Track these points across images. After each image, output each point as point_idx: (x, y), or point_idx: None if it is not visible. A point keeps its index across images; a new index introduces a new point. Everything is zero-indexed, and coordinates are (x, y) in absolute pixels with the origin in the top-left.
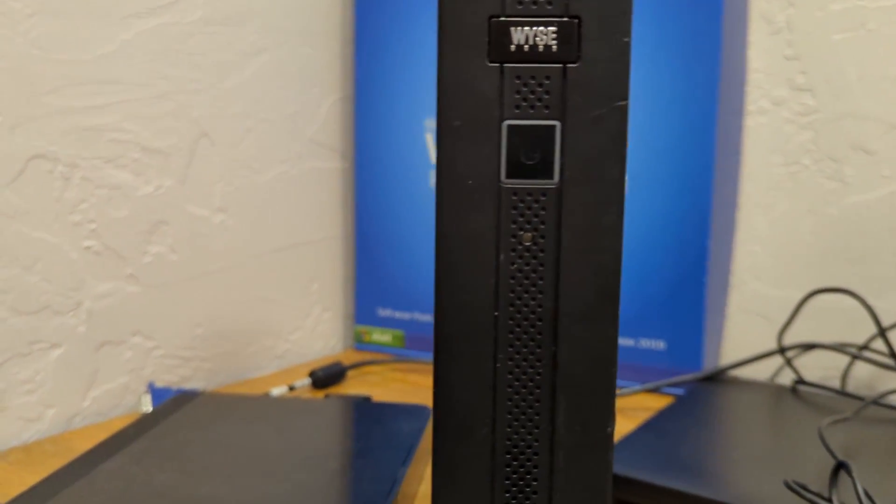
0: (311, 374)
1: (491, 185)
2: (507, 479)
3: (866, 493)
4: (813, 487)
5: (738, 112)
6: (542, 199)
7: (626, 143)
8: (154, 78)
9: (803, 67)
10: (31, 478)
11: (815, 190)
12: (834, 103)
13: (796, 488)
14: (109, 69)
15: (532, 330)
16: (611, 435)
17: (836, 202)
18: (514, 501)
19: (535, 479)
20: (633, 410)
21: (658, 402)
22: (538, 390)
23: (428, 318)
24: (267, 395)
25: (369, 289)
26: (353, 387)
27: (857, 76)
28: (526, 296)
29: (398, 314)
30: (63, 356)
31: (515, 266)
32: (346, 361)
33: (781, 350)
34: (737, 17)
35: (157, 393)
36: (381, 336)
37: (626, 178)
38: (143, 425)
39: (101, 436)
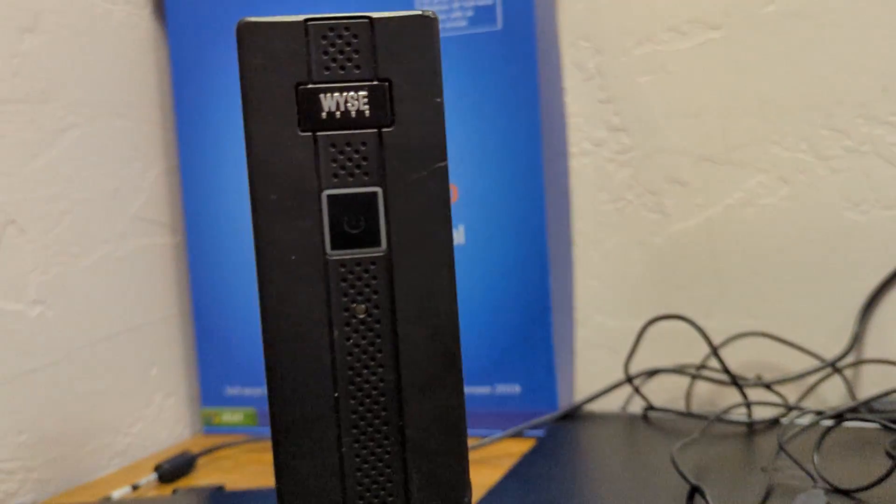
0: (157, 468)
1: (316, 258)
2: None
3: None
4: None
5: (562, 154)
6: (372, 267)
7: (450, 204)
8: None
9: (616, 109)
10: None
11: (639, 222)
12: (647, 140)
13: None
14: None
15: (376, 407)
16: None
17: (659, 232)
18: None
19: None
20: (496, 458)
21: (520, 447)
22: (388, 470)
23: None
24: (108, 500)
25: (214, 368)
26: (205, 476)
27: (663, 114)
28: (366, 371)
29: (248, 391)
30: None
31: (351, 341)
32: (195, 448)
33: (629, 379)
34: (551, 67)
35: None
36: (232, 416)
37: (463, 231)
38: None
39: None
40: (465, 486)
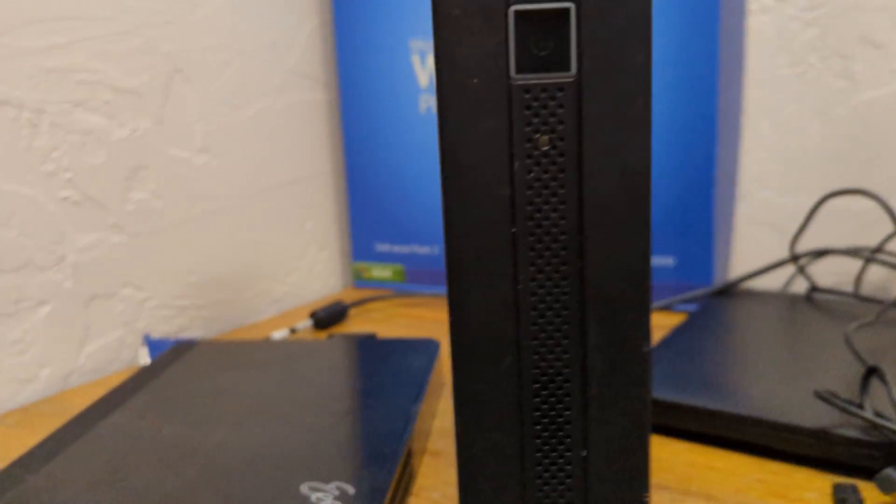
0: (313, 315)
1: (500, 82)
2: (537, 410)
3: None
4: (843, 395)
5: (739, 12)
6: (559, 94)
7: (651, 25)
8: (117, 11)
9: None
10: (30, 439)
11: (822, 90)
12: None
13: (827, 397)
14: (66, 4)
15: (555, 245)
16: (648, 355)
17: (844, 101)
18: (545, 434)
19: (567, 409)
20: None
21: (671, 320)
22: (566, 311)
23: (428, 250)
24: (268, 340)
25: (365, 224)
26: (356, 325)
27: None
28: (546, 207)
29: (397, 248)
30: (51, 313)
31: (533, 174)
32: (347, 300)
33: (794, 258)
34: None
35: (153, 345)
36: (381, 272)
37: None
38: (142, 378)
39: (100, 393)
40: (646, 334)
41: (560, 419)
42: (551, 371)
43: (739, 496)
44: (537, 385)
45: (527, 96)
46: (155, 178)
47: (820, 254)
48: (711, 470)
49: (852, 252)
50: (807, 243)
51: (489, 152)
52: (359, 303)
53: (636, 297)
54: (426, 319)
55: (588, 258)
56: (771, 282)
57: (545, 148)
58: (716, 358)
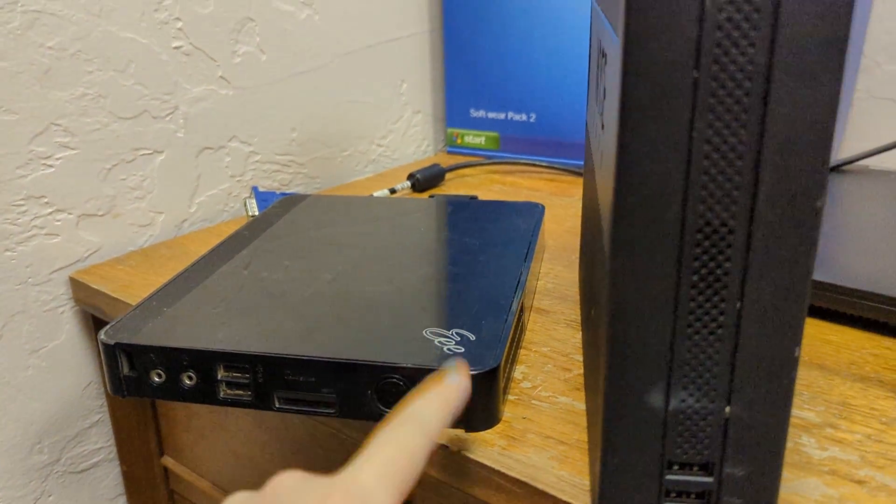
0: (410, 177)
1: None
2: (697, 259)
3: None
4: None
5: None
6: None
7: None
8: None
9: None
10: (154, 278)
11: None
12: None
13: None
14: None
15: (738, 91)
16: (820, 210)
17: None
18: (702, 283)
19: (727, 260)
20: None
21: None
22: (739, 162)
23: (524, 117)
24: (374, 197)
25: (460, 89)
26: (453, 188)
27: None
28: (734, 50)
29: (492, 115)
30: (166, 162)
31: (724, 14)
32: (442, 164)
33: None
34: None
35: (261, 196)
36: (475, 138)
37: None
38: (257, 226)
39: (213, 240)
40: (822, 188)
41: (719, 270)
42: (716, 221)
43: (853, 368)
44: (700, 234)
45: None
46: (260, 31)
47: None
48: (825, 342)
49: None
50: None
51: None
52: (454, 168)
53: (817, 150)
54: (522, 186)
55: (771, 106)
56: (885, 161)
57: None
58: (829, 233)
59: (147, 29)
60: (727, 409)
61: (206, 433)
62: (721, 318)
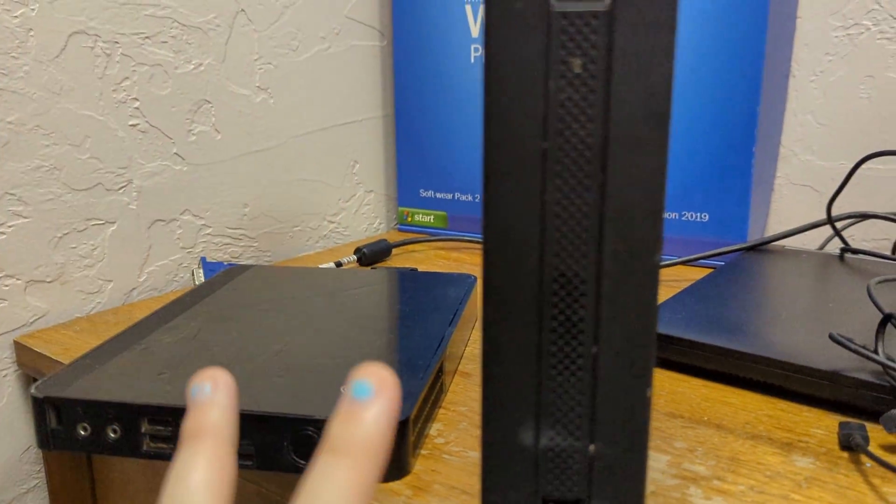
0: (357, 251)
1: (541, 7)
2: (555, 306)
3: None
4: (858, 340)
5: None
6: (594, 22)
7: None
8: None
9: None
10: (96, 343)
11: (876, 53)
12: None
13: (841, 340)
14: None
15: (581, 160)
16: (657, 263)
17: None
18: (561, 329)
19: (582, 307)
20: (674, 282)
21: (700, 274)
22: (586, 220)
23: (470, 198)
24: (317, 268)
25: (411, 170)
26: (399, 263)
27: None
28: (576, 125)
29: (440, 195)
30: (117, 232)
31: (565, 94)
32: (390, 240)
33: (830, 220)
34: None
35: (209, 266)
36: (424, 217)
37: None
38: (197, 294)
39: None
40: (658, 244)
41: (575, 316)
42: (570, 273)
43: (748, 427)
44: (556, 284)
45: (564, 22)
46: (216, 111)
47: (861, 217)
48: (724, 404)
49: (893, 217)
50: (843, 208)
51: (527, 72)
52: (402, 243)
53: (651, 210)
54: (465, 262)
55: (609, 172)
56: (805, 243)
57: (577, 70)
58: (738, 304)
59: (105, 107)
60: (591, 446)
61: (140, 497)
62: (580, 361)
